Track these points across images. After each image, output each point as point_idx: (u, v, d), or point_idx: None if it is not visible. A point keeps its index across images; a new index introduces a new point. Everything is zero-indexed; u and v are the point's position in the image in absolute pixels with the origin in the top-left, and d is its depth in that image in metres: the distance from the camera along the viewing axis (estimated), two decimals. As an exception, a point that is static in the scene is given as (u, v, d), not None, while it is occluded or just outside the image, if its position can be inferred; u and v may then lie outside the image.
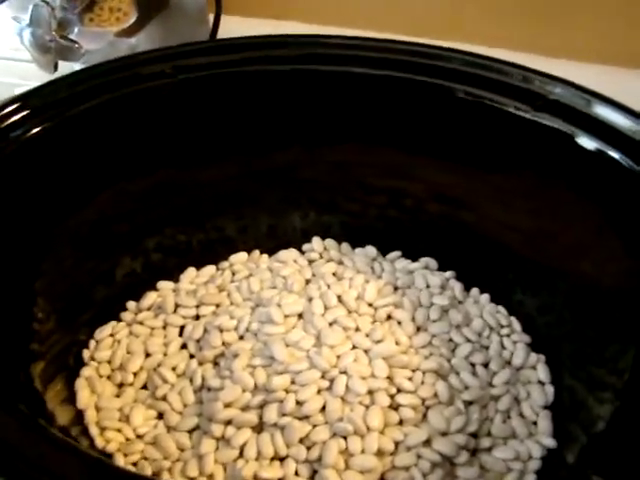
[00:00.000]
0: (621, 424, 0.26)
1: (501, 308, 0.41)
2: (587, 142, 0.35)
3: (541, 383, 0.38)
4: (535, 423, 0.36)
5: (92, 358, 0.39)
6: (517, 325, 0.40)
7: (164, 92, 0.40)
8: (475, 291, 0.43)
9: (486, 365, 0.38)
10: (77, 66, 0.51)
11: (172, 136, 0.41)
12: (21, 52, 0.58)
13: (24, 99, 0.36)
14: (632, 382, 0.28)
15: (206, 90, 0.40)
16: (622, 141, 0.33)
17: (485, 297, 0.42)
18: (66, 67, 0.50)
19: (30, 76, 0.53)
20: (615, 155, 0.34)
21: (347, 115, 0.42)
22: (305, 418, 0.34)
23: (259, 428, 0.34)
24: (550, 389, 0.37)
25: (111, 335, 0.40)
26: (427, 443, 0.34)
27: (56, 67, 0.52)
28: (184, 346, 0.40)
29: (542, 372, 0.38)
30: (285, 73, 0.41)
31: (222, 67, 0.40)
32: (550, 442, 0.35)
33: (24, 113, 0.35)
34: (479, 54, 0.39)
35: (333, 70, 0.41)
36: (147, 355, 0.39)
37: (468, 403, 0.36)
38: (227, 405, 0.34)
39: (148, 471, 0.33)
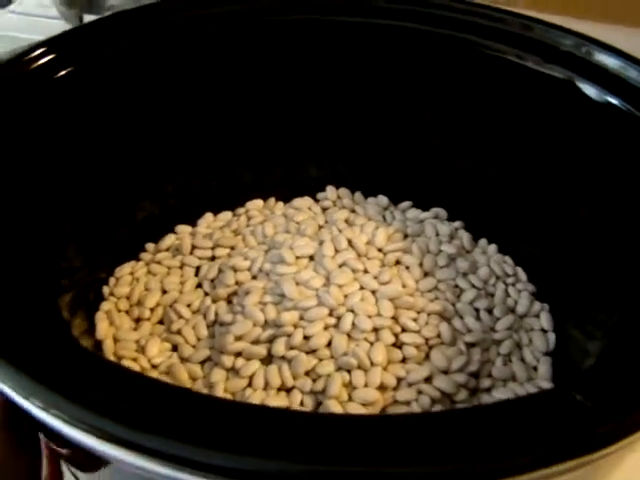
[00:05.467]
0: (605, 359, 0.27)
1: (508, 258, 0.42)
2: (591, 91, 0.35)
3: (544, 331, 0.39)
4: (535, 368, 0.37)
5: (111, 294, 0.40)
6: (523, 275, 0.41)
7: (190, 38, 0.41)
8: (483, 241, 0.44)
9: (490, 311, 0.39)
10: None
11: (193, 84, 0.41)
12: (47, 8, 0.59)
13: (50, 43, 0.37)
14: (620, 322, 0.29)
15: (235, 40, 0.42)
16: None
17: (493, 247, 0.43)
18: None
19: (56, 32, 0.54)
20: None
21: (358, 68, 0.43)
22: (312, 352, 0.35)
23: (268, 360, 0.36)
24: (552, 337, 0.38)
25: (130, 273, 0.41)
26: (428, 380, 0.35)
27: (81, 20, 0.53)
28: (199, 286, 0.41)
29: (545, 320, 0.39)
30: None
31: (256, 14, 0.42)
32: (548, 385, 0.35)
33: (50, 57, 0.36)
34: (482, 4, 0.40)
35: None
36: (164, 292, 0.40)
37: (470, 345, 0.37)
38: (238, 338, 0.36)
39: (162, 399, 0.35)
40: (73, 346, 0.25)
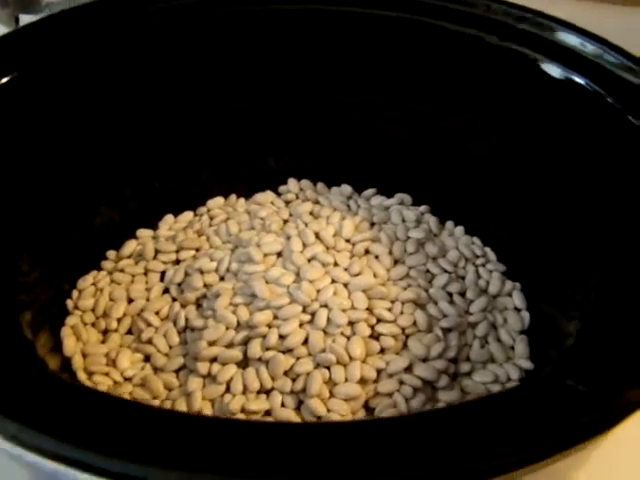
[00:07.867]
0: (587, 337, 0.27)
1: (476, 239, 0.42)
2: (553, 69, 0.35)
3: (517, 309, 0.39)
4: (512, 347, 0.37)
5: (76, 307, 0.39)
6: (492, 255, 0.41)
7: (138, 36, 0.40)
8: (450, 224, 0.43)
9: (463, 294, 0.39)
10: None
11: (144, 84, 0.40)
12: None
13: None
14: (597, 300, 0.29)
15: (181, 34, 0.41)
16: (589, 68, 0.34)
17: (460, 229, 0.43)
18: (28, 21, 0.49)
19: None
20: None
21: (308, 55, 0.42)
22: (288, 351, 0.35)
23: (244, 363, 0.35)
24: (526, 315, 0.38)
25: (93, 284, 0.40)
26: (408, 370, 0.35)
27: (17, 21, 0.51)
28: (166, 291, 0.40)
29: (518, 299, 0.39)
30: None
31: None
32: (527, 364, 0.36)
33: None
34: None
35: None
36: (130, 301, 0.39)
37: (447, 330, 0.37)
38: (211, 343, 0.35)
39: (138, 411, 0.34)
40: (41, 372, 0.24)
